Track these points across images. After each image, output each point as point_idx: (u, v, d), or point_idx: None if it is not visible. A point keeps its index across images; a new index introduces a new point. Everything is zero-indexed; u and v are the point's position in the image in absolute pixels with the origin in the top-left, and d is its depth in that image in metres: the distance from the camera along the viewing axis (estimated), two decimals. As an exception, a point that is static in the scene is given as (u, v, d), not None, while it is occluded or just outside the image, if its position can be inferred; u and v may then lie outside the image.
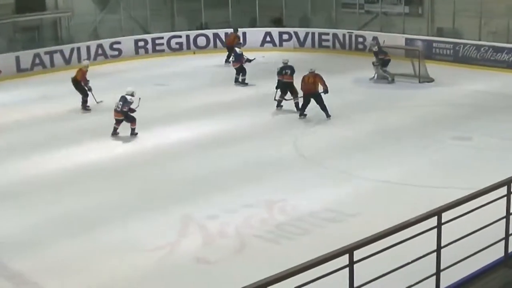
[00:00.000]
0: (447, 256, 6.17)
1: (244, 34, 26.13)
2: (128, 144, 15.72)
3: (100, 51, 25.20)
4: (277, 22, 28.43)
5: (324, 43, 26.74)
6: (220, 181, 13.03)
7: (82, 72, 18.63)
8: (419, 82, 21.01)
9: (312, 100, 17.00)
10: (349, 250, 5.31)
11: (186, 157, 14.68)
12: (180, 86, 21.49)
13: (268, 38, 27.22)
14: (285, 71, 18.08)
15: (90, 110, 18.62)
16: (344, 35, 26.32)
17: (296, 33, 27.13)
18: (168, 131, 16.44)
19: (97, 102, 18.67)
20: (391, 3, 26.36)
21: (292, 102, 17.92)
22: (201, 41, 27.08)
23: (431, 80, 21.11)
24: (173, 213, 11.46)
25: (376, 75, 21.44)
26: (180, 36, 26.92)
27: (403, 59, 21.84)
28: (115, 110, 15.95)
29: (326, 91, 16.93)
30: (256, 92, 20.22)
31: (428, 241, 6.03)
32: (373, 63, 21.41)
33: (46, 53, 23.99)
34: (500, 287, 6.50)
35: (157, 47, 26.57)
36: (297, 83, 17.54)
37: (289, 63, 18.25)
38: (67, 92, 18.90)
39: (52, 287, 9.25)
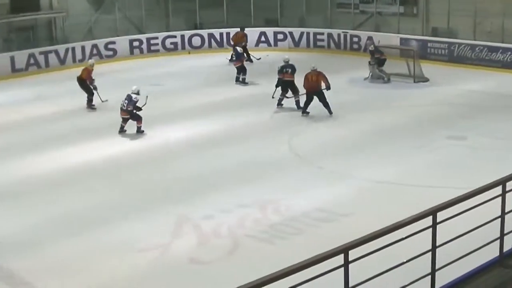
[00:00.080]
0: (442, 256, 6.15)
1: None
2: (126, 144, 15.72)
3: (95, 51, 25.10)
4: (272, 23, 28.39)
5: (319, 43, 26.73)
6: (215, 181, 13.02)
7: (88, 71, 18.63)
8: (414, 82, 21.02)
9: (315, 98, 17.11)
10: (344, 249, 5.29)
11: (182, 157, 14.67)
12: (175, 86, 21.46)
13: (263, 38, 27.18)
14: (286, 70, 18.15)
15: (95, 109, 18.60)
16: (339, 35, 26.32)
17: (291, 33, 27.10)
18: (163, 131, 16.42)
19: (103, 101, 18.65)
20: (386, 3, 26.37)
21: (292, 100, 17.97)
22: (196, 41, 27.04)
23: (426, 80, 21.13)
24: (169, 213, 11.46)
25: (370, 74, 21.45)
26: (175, 36, 26.87)
27: (398, 59, 21.83)
28: (121, 109, 16.15)
29: (328, 87, 17.14)
30: (254, 92, 20.21)
31: (423, 241, 6.02)
32: (369, 62, 21.42)
33: (41, 53, 23.94)
34: (495, 286, 6.48)
35: (152, 47, 26.52)
36: (298, 82, 17.57)
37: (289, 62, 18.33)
38: (63, 92, 18.84)
39: (52, 287, 9.23)
